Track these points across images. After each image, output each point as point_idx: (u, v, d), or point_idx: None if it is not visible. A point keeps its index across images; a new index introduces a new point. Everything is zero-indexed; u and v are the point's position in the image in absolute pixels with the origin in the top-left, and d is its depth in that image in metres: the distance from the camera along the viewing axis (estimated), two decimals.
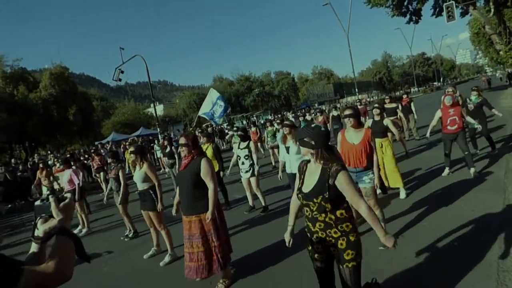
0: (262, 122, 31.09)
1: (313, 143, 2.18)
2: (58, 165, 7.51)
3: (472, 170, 5.98)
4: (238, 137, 6.35)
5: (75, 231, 7.04)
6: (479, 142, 7.81)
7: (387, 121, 5.73)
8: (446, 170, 6.38)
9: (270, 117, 35.32)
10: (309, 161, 2.33)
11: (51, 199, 1.48)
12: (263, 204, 6.15)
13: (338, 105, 39.71)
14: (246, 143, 6.15)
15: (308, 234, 2.37)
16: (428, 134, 6.55)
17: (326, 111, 10.41)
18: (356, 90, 34.83)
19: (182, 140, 3.57)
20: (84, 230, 6.96)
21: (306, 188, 2.25)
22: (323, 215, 2.19)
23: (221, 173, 6.67)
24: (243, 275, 3.86)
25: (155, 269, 4.46)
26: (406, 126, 10.90)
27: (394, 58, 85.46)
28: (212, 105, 12.59)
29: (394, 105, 10.25)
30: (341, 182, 2.12)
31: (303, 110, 38.07)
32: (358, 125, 3.98)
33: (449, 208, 4.74)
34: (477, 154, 7.42)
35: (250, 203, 6.37)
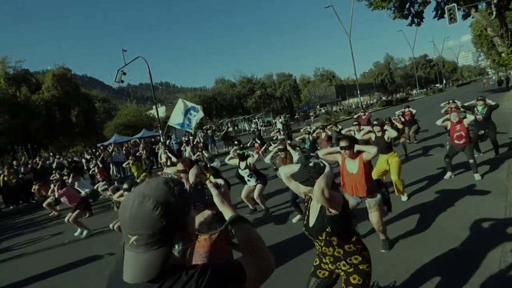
0: (264, 124, 31.06)
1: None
2: (52, 186, 7.67)
3: (477, 175, 6.02)
4: (237, 156, 6.25)
5: (75, 234, 7.05)
6: (482, 146, 7.81)
7: (388, 134, 5.60)
8: (448, 174, 6.38)
9: (271, 119, 35.33)
10: (310, 198, 2.33)
11: (209, 184, 1.40)
12: (264, 207, 6.15)
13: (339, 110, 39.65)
14: (245, 163, 6.07)
15: (318, 258, 2.41)
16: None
17: (327, 128, 10.20)
18: (358, 92, 34.79)
19: (179, 167, 3.54)
20: (85, 232, 6.96)
21: (310, 224, 2.28)
22: (331, 249, 2.22)
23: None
24: None
25: None
26: (407, 133, 10.87)
27: (396, 60, 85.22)
28: (183, 116, 12.45)
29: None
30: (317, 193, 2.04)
31: (301, 114, 37.99)
32: (355, 154, 3.88)
33: (451, 211, 4.73)
34: (480, 157, 7.42)
35: (251, 206, 6.36)
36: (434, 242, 3.86)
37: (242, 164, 6.10)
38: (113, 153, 15.27)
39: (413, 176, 6.84)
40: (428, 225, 4.39)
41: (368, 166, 3.91)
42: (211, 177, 6.40)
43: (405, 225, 4.49)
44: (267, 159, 5.64)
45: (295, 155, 5.39)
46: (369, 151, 3.78)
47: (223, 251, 3.62)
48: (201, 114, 12.53)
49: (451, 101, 8.88)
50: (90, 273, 4.91)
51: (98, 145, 24.56)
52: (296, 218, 5.48)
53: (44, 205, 9.59)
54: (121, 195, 5.08)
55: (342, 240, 2.18)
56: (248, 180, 6.09)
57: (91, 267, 5.13)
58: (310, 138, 10.15)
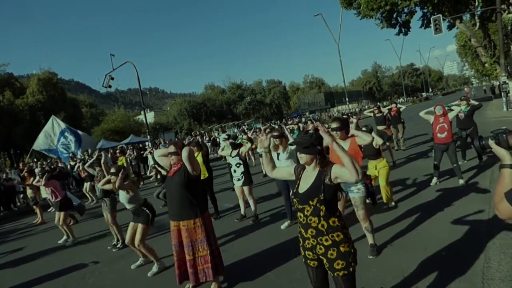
0: (252, 130, 31.05)
1: (319, 148, 2.28)
2: (38, 177, 7.46)
3: (461, 181, 6.14)
4: (230, 145, 6.36)
5: (60, 242, 6.88)
6: (466, 153, 7.98)
7: (376, 141, 5.44)
8: (434, 180, 6.49)
9: (260, 126, 35.41)
10: (304, 167, 2.39)
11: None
12: (254, 212, 6.14)
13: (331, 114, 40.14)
14: (237, 151, 6.16)
15: (301, 240, 2.40)
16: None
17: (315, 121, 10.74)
18: (347, 99, 35.27)
19: (171, 149, 3.61)
20: (69, 241, 6.79)
21: (302, 190, 2.32)
22: (316, 220, 2.23)
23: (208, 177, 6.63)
24: (233, 282, 3.83)
25: (143, 279, 4.38)
26: (395, 135, 11.06)
27: (383, 69, 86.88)
28: (56, 139, 10.80)
29: (385, 111, 10.53)
30: (336, 169, 2.22)
31: (291, 120, 38.19)
32: (346, 135, 3.98)
33: (437, 217, 4.80)
34: (465, 164, 7.57)
35: (242, 211, 6.34)
36: (420, 248, 3.91)
37: (234, 152, 6.16)
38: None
39: (400, 183, 6.93)
40: (414, 231, 4.44)
41: (358, 149, 3.98)
42: (200, 156, 6.39)
43: (392, 231, 4.53)
44: (259, 148, 5.63)
45: (291, 139, 5.35)
46: (364, 138, 3.87)
47: (208, 232, 3.61)
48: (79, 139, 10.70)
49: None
50: (75, 281, 4.79)
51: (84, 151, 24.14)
52: (284, 225, 5.48)
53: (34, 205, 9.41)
54: (108, 181, 5.06)
55: (329, 212, 2.22)
56: (234, 171, 6.09)
57: (75, 275, 5.00)
58: (301, 127, 10.39)
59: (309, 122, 10.54)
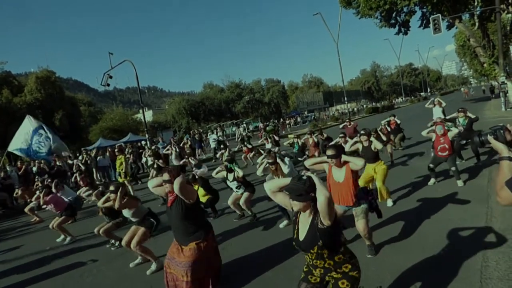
0: (250, 129, 31.09)
1: (312, 195, 2.17)
2: (38, 193, 7.49)
3: (459, 182, 6.15)
4: (224, 168, 6.25)
5: (58, 240, 6.87)
6: (464, 154, 7.99)
7: (374, 144, 5.63)
8: (432, 180, 6.51)
9: (259, 124, 35.38)
10: (299, 212, 2.34)
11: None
12: (250, 212, 6.15)
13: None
14: (232, 175, 6.07)
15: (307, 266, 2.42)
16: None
17: (314, 136, 10.55)
18: (345, 98, 35.29)
19: (165, 177, 3.49)
20: (68, 239, 6.78)
21: (301, 237, 2.29)
22: (322, 262, 2.24)
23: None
24: (231, 280, 3.83)
25: (141, 277, 4.38)
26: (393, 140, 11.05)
27: (382, 68, 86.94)
28: (30, 139, 10.14)
29: (383, 123, 10.56)
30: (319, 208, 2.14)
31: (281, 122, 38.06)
32: (341, 163, 3.90)
33: (435, 216, 4.81)
34: (463, 164, 7.58)
35: (238, 212, 6.33)
36: (418, 247, 3.92)
37: (230, 176, 6.12)
38: (98, 157, 14.95)
39: (397, 183, 6.93)
40: (412, 231, 4.45)
41: (355, 174, 3.94)
42: (200, 189, 6.39)
43: (390, 231, 4.54)
44: (259, 172, 5.64)
45: (285, 168, 5.38)
46: (356, 163, 3.80)
47: (212, 252, 3.62)
48: (57, 144, 10.22)
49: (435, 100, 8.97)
50: (73, 280, 4.78)
51: (82, 149, 24.11)
52: (283, 224, 5.48)
53: (26, 210, 9.32)
54: (107, 200, 4.97)
55: (332, 252, 2.21)
56: (237, 191, 6.12)
57: (74, 273, 5.00)
58: (299, 142, 10.37)
59: (307, 135, 10.52)
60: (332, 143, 8.12)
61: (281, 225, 5.48)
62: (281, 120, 40.36)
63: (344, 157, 3.89)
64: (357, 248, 3.68)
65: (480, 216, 4.51)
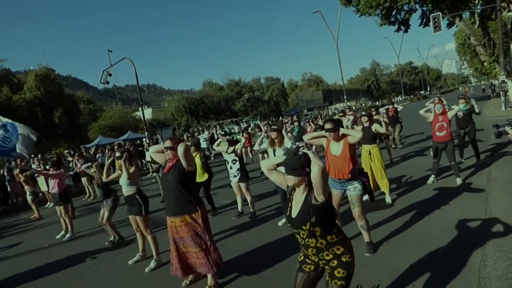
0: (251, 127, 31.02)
1: (307, 170, 2.15)
2: (48, 166, 7.41)
3: (458, 180, 6.15)
4: (226, 142, 6.37)
5: (57, 237, 6.87)
6: (464, 152, 7.99)
7: (375, 126, 5.87)
8: (432, 178, 6.51)
9: (258, 122, 35.33)
10: (294, 189, 2.33)
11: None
12: (251, 209, 6.15)
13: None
14: (233, 148, 6.17)
15: (302, 253, 2.42)
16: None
17: (311, 121, 10.92)
18: (345, 97, 35.30)
19: (167, 143, 3.60)
20: (67, 235, 6.79)
21: (294, 214, 2.28)
22: (314, 240, 2.22)
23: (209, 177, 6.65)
24: (230, 279, 3.84)
25: (140, 275, 4.38)
26: (393, 135, 11.08)
27: (382, 67, 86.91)
28: None
29: (383, 111, 10.59)
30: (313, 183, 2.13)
31: (290, 118, 38.17)
32: (339, 137, 3.94)
33: (434, 214, 4.82)
34: (462, 163, 7.59)
35: (239, 208, 6.34)
36: (416, 245, 3.92)
37: (230, 149, 6.18)
38: (97, 155, 14.96)
39: (397, 181, 6.94)
40: (411, 229, 4.46)
41: (352, 149, 3.97)
42: (198, 158, 6.40)
43: (388, 229, 4.54)
44: (257, 144, 5.67)
45: (288, 142, 5.39)
46: (354, 135, 3.87)
47: (206, 226, 3.63)
48: (30, 138, 9.89)
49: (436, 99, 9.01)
50: (72, 277, 4.78)
51: (81, 147, 24.10)
52: (282, 221, 5.48)
53: (30, 203, 9.35)
54: (109, 168, 5.16)
55: (324, 231, 2.19)
56: (231, 168, 6.12)
57: (73, 270, 5.00)
58: (301, 123, 10.67)
59: (307, 124, 10.78)
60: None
61: (279, 223, 5.49)
62: (280, 118, 40.30)
63: (342, 130, 3.94)
64: (355, 247, 3.67)
65: (479, 215, 4.51)
